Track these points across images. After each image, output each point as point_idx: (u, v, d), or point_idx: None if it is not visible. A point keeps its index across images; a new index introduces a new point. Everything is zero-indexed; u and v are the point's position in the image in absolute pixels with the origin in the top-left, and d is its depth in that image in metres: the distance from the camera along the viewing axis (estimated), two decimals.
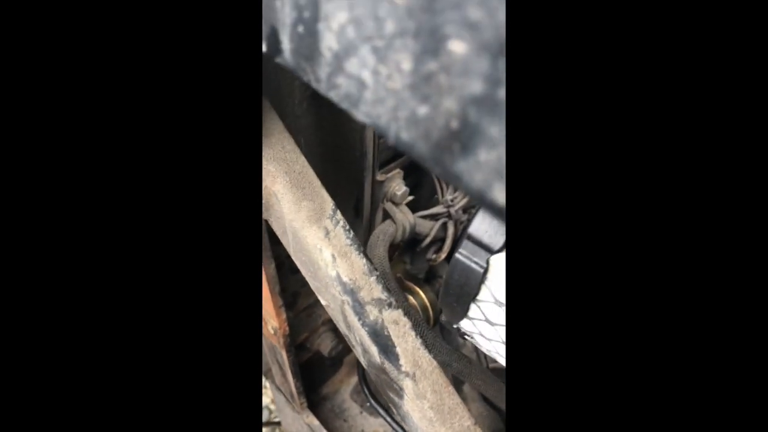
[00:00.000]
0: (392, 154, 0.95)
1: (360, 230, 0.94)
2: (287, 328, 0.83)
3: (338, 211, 0.58)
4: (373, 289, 0.58)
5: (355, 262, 0.58)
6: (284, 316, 0.80)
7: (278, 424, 1.95)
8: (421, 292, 1.06)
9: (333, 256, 0.57)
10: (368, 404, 1.28)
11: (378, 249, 0.82)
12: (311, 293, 1.07)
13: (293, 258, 0.61)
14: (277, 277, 0.72)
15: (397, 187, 0.87)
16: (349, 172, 0.81)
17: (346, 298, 0.57)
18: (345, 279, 0.57)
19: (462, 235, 0.65)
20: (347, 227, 0.58)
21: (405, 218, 0.88)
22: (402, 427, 1.12)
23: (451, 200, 1.02)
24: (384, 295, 0.58)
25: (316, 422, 1.14)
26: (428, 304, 1.06)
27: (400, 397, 0.59)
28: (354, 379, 1.31)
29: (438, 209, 1.01)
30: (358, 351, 0.61)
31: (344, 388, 1.30)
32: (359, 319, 0.57)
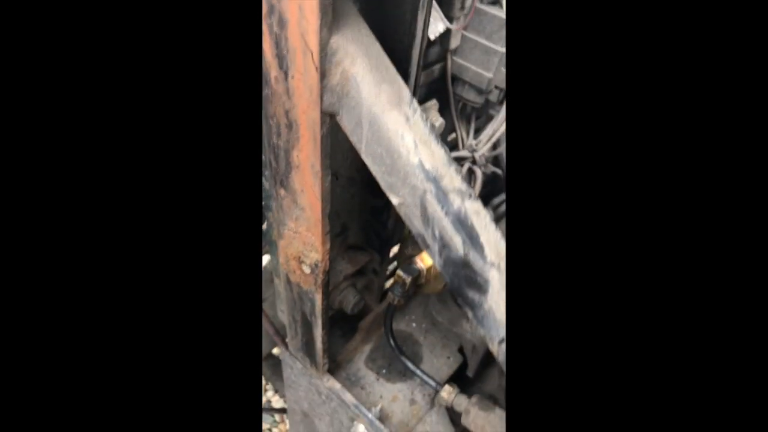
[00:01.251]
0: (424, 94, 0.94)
1: None
2: (328, 264, 0.80)
3: (415, 99, 0.56)
4: (454, 179, 0.56)
5: (436, 150, 0.56)
6: (329, 245, 0.76)
7: (283, 411, 1.87)
8: None
9: (415, 142, 0.55)
10: (384, 371, 1.24)
11: None
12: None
13: (365, 154, 0.58)
14: (330, 195, 0.68)
15: (434, 117, 0.86)
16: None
17: (429, 186, 0.55)
18: (427, 166, 0.55)
19: None
20: (425, 116, 0.56)
21: None
22: (432, 377, 1.09)
23: (475, 145, 1.02)
24: (464, 186, 0.56)
25: (337, 385, 1.10)
26: None
27: (484, 291, 0.57)
28: (368, 347, 1.28)
29: (462, 153, 1.01)
30: (434, 249, 0.59)
31: (358, 356, 1.26)
32: (443, 208, 0.55)
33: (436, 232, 0.57)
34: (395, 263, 1.25)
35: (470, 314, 0.60)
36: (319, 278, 0.82)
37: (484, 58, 0.93)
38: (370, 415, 1.04)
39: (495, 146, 1.14)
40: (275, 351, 1.83)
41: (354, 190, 1.02)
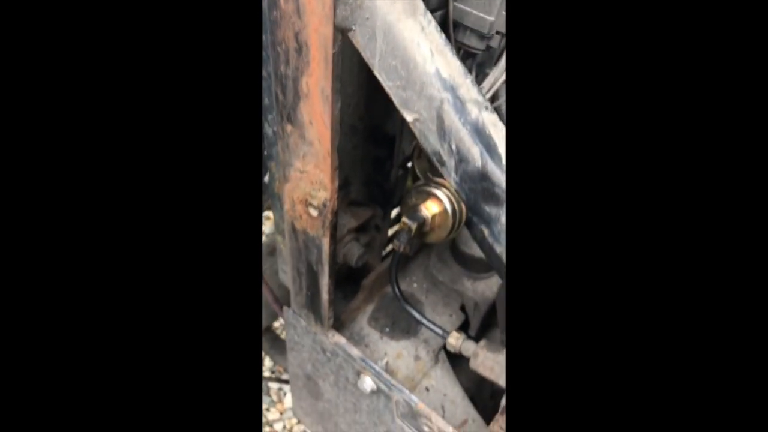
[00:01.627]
0: None
1: None
2: (336, 203, 0.79)
3: (429, 12, 0.56)
4: (471, 89, 0.56)
5: (452, 60, 0.55)
6: (337, 183, 0.76)
7: (286, 382, 1.87)
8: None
9: (431, 51, 0.54)
10: (387, 330, 1.24)
11: None
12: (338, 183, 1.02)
13: (379, 69, 0.58)
14: (339, 126, 0.67)
15: None
16: None
17: (447, 95, 0.55)
18: (444, 75, 0.54)
19: None
20: (438, 28, 0.56)
21: None
22: (435, 323, 1.10)
23: None
24: (481, 98, 0.56)
25: (342, 340, 1.09)
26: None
27: (501, 203, 0.57)
28: (371, 307, 1.27)
29: None
30: (450, 165, 0.58)
31: (361, 316, 1.26)
32: (460, 118, 0.55)
33: (453, 146, 0.57)
34: (394, 235, 1.24)
35: (486, 232, 0.60)
36: (327, 220, 0.81)
37: (485, 1, 0.92)
38: (377, 367, 1.03)
39: (494, 98, 1.14)
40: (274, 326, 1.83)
41: (356, 140, 1.01)
